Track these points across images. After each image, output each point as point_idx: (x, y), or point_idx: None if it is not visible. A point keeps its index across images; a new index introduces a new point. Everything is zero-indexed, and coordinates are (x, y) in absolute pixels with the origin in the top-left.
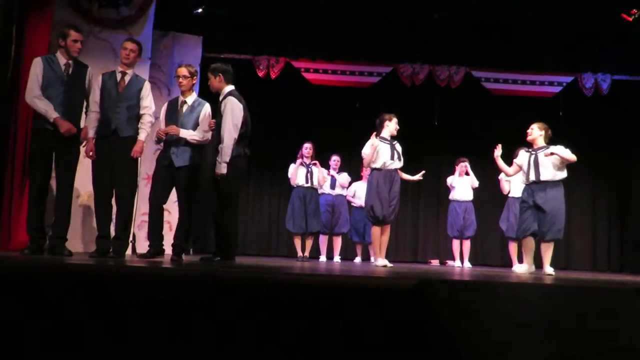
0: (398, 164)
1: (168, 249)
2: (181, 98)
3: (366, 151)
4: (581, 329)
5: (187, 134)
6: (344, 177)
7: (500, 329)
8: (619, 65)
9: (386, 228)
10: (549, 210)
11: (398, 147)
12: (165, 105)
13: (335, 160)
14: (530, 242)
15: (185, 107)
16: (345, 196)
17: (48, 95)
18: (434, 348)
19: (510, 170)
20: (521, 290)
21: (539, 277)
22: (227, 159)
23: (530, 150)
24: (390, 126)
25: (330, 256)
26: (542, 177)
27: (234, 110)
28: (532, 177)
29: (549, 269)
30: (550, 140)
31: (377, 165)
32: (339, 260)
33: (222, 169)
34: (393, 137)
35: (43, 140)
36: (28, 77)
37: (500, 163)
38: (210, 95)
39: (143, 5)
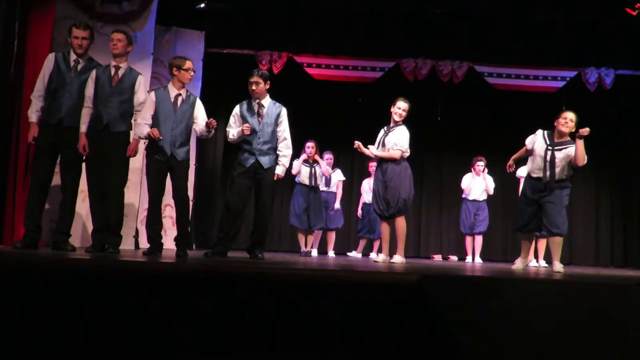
0: None
1: (169, 243)
2: (175, 90)
3: (405, 142)
4: (584, 325)
5: (203, 126)
6: (337, 175)
7: (501, 325)
8: (622, 60)
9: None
10: (557, 204)
11: None
12: (153, 95)
13: (328, 158)
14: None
15: (179, 100)
16: (335, 193)
17: (55, 90)
18: (435, 344)
19: (522, 152)
20: (523, 286)
21: (541, 273)
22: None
23: (548, 142)
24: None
25: (324, 251)
26: (555, 178)
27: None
28: (547, 177)
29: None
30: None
31: (407, 154)
32: (334, 255)
33: (283, 173)
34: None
35: (48, 135)
36: (31, 73)
37: (514, 157)
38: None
39: (145, 0)
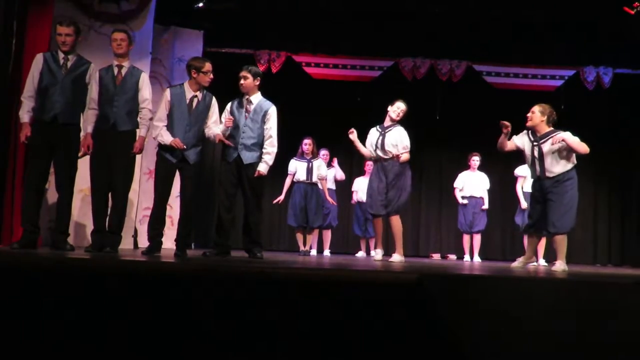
0: None
1: (168, 243)
2: (192, 92)
3: (408, 141)
4: (582, 324)
5: (213, 135)
6: (332, 172)
7: (501, 324)
8: (621, 58)
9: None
10: (557, 202)
11: None
12: (168, 94)
13: (324, 154)
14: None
15: (195, 101)
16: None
17: (46, 88)
18: (434, 343)
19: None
20: (522, 285)
21: (540, 272)
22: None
23: (532, 139)
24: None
25: (320, 250)
26: (549, 173)
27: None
28: (538, 172)
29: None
30: (555, 125)
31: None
32: (329, 254)
33: (265, 170)
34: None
35: (41, 134)
36: (29, 72)
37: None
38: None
39: None
